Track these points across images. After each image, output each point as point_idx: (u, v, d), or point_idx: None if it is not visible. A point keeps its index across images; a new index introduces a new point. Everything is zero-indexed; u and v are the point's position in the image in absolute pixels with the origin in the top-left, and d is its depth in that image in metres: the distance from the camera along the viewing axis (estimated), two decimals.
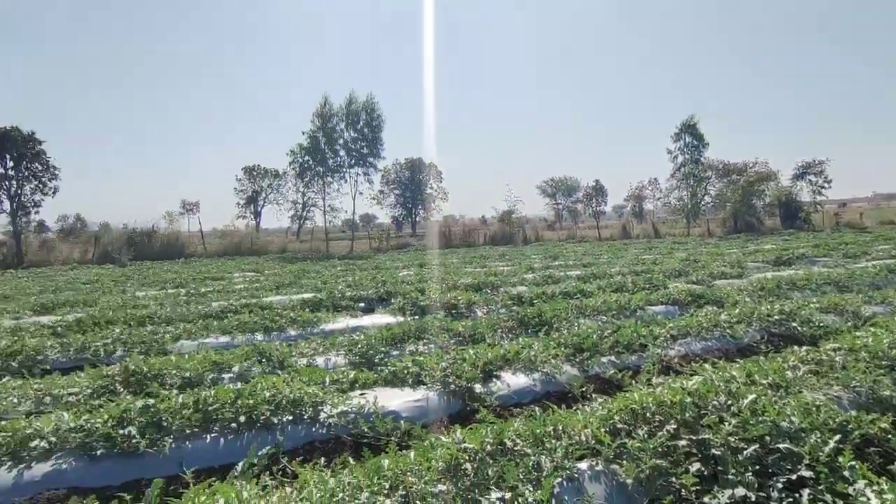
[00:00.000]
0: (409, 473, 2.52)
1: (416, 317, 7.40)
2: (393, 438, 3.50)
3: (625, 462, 2.64)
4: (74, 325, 7.26)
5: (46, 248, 27.27)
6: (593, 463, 2.71)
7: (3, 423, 3.42)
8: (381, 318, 7.46)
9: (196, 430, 3.47)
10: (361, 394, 4.03)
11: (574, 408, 3.63)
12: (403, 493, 2.41)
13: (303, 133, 30.60)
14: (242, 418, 3.52)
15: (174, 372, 4.72)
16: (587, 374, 4.71)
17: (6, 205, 25.61)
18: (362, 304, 8.67)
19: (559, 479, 2.52)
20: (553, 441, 2.77)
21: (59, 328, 7.17)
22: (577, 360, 4.88)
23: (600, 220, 40.88)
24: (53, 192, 26.71)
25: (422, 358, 4.67)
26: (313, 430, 3.61)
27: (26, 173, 25.57)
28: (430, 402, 4.04)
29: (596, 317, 6.90)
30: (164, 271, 18.37)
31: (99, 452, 3.19)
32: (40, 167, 25.80)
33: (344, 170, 30.99)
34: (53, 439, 3.20)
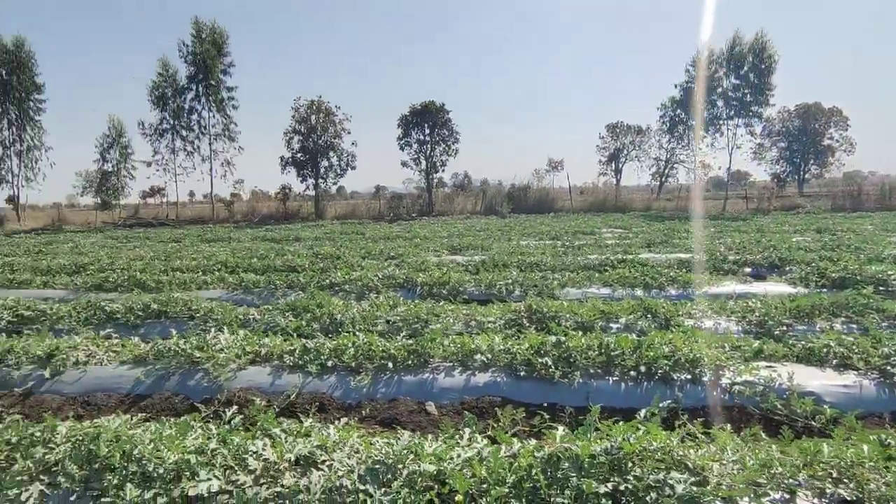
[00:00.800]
0: (859, 467, 2.16)
1: (824, 289, 6.28)
2: (814, 423, 3.08)
3: None
4: (479, 265, 8.66)
5: (448, 200, 33.38)
6: None
7: (452, 336, 4.36)
8: (775, 287, 6.60)
9: (598, 371, 3.74)
10: (768, 366, 3.65)
11: None
12: (854, 487, 2.09)
13: (675, 86, 28.88)
14: (643, 368, 3.62)
15: (568, 315, 5.18)
16: None
17: (423, 164, 32.20)
18: (748, 270, 7.83)
19: None
20: None
21: (469, 266, 8.68)
22: None
23: None
24: (455, 154, 32.28)
25: (849, 338, 3.93)
26: (714, 393, 3.46)
27: (437, 138, 31.59)
28: (865, 391, 3.39)
29: None
30: (538, 224, 20.21)
31: (521, 374, 3.76)
32: (447, 132, 31.51)
33: (720, 122, 27.98)
34: (489, 356, 3.92)
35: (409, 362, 3.97)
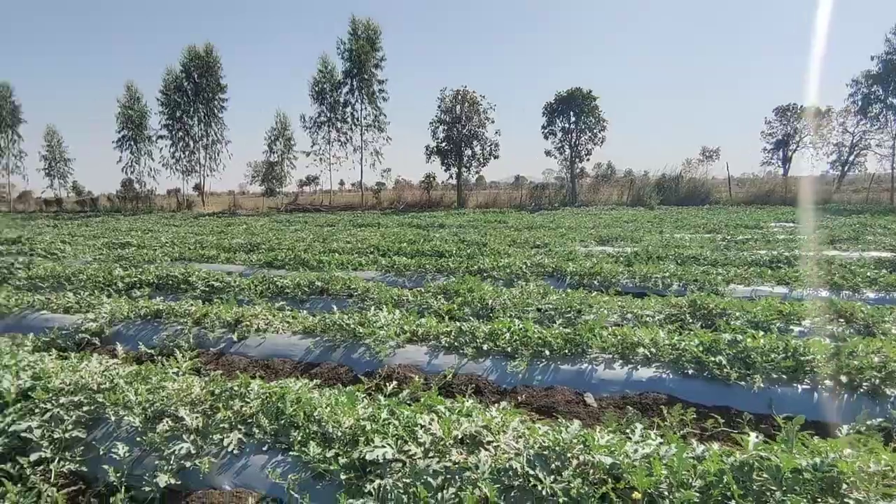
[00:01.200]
0: None
1: None
2: None
3: None
4: (632, 257, 8.20)
5: (592, 190, 32.27)
6: None
7: (611, 328, 4.14)
8: None
9: (784, 376, 3.32)
10: None
11: None
12: None
13: (871, 58, 24.92)
14: (843, 378, 3.14)
15: (738, 314, 4.70)
16: None
17: (567, 153, 31.35)
18: None
19: None
20: None
21: (620, 258, 8.25)
22: None
23: None
24: (602, 142, 31.00)
25: None
26: None
27: (583, 126, 30.55)
28: None
29: None
30: (691, 216, 18.69)
31: (689, 372, 3.46)
32: (594, 120, 30.31)
33: None
34: (653, 350, 3.66)
35: (566, 351, 3.84)
